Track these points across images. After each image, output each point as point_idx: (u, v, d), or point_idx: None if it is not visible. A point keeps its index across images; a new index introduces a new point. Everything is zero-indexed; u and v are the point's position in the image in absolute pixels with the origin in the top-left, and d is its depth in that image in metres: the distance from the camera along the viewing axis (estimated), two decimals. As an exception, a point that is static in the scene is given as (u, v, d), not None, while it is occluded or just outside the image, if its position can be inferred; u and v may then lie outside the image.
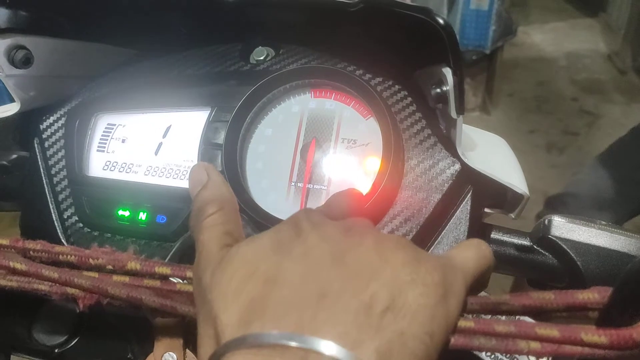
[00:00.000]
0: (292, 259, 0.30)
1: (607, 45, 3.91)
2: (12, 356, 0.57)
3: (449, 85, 0.45)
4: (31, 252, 0.42)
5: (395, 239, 0.32)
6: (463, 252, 0.35)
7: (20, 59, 0.55)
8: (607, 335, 0.29)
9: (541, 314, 0.33)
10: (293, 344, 0.25)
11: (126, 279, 0.39)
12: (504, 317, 0.36)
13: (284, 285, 0.28)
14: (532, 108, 3.31)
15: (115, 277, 0.40)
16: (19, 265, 0.39)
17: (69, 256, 0.41)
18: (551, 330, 0.30)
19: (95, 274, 0.40)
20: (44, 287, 0.40)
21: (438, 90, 0.47)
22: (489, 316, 0.34)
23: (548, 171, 2.73)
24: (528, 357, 0.41)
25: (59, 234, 0.58)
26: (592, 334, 0.29)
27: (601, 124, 3.14)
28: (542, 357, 0.41)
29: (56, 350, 0.54)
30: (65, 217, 0.58)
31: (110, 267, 0.40)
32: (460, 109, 0.46)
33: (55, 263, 0.41)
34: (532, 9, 4.33)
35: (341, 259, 0.30)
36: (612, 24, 3.98)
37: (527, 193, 0.50)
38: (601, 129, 3.09)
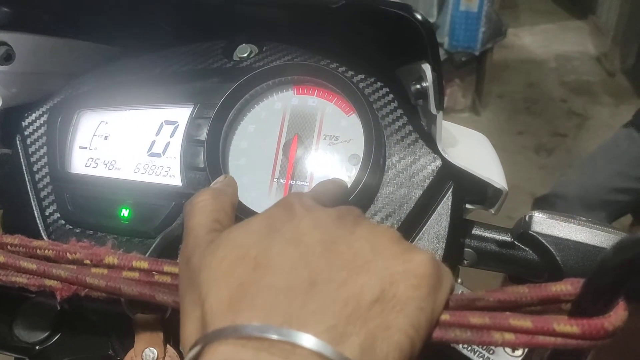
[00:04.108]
0: (283, 243, 0.30)
1: (596, 48, 3.95)
2: (-8, 353, 0.57)
3: (429, 81, 0.45)
4: (9, 247, 0.41)
5: (387, 230, 0.32)
6: None
7: (2, 55, 0.54)
8: (579, 325, 0.29)
9: (517, 308, 0.34)
10: (281, 338, 0.25)
11: (105, 271, 0.39)
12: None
13: (274, 271, 0.28)
14: (521, 109, 3.33)
15: (94, 270, 0.39)
16: (-5, 258, 0.39)
17: (46, 250, 0.41)
18: (524, 321, 0.31)
19: (73, 267, 0.40)
20: (21, 279, 0.40)
21: (418, 86, 0.47)
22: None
23: (536, 172, 2.75)
24: (504, 349, 0.41)
25: (41, 230, 0.57)
26: (565, 324, 0.30)
27: (590, 126, 3.17)
28: (517, 348, 0.41)
29: (37, 347, 0.54)
30: (47, 214, 0.58)
31: (88, 261, 0.40)
32: (440, 105, 0.46)
33: (33, 258, 0.41)
34: (521, 11, 4.36)
35: (332, 247, 0.29)
36: (601, 26, 4.02)
37: (506, 188, 0.50)
38: (590, 130, 3.12)
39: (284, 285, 0.27)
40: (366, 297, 0.27)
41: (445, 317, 0.32)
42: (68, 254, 0.41)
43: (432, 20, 2.96)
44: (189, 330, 0.29)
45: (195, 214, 0.36)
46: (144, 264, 0.39)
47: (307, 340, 0.25)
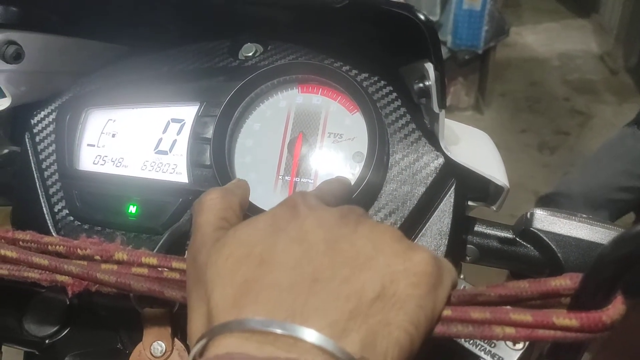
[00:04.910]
0: (288, 241, 0.30)
1: (599, 46, 3.94)
2: (2, 347, 0.57)
3: (431, 80, 0.46)
4: (20, 243, 0.42)
5: (389, 229, 0.33)
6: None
7: (11, 54, 0.55)
8: (577, 319, 0.30)
9: (517, 302, 0.34)
10: (284, 332, 0.26)
11: (114, 267, 0.40)
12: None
13: (278, 267, 0.29)
14: (524, 108, 3.33)
15: (104, 266, 0.40)
16: (9, 253, 0.40)
17: (57, 246, 0.42)
18: (525, 316, 0.31)
19: (84, 262, 0.41)
20: (33, 274, 0.40)
21: (421, 85, 0.47)
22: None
23: (539, 170, 2.75)
24: (505, 343, 0.42)
25: (50, 227, 0.58)
26: (564, 318, 0.30)
27: (593, 124, 3.17)
28: (518, 342, 0.42)
29: (47, 341, 0.55)
30: (56, 210, 0.58)
31: (98, 257, 0.41)
32: (442, 103, 0.47)
33: (44, 253, 0.42)
34: (524, 10, 4.36)
35: (335, 246, 0.30)
36: (604, 25, 4.01)
37: (508, 185, 0.51)
38: (593, 129, 3.12)
39: (287, 281, 0.28)
40: (367, 294, 0.28)
41: (447, 312, 0.32)
42: (79, 250, 0.42)
43: (435, 18, 2.96)
44: (196, 326, 0.30)
45: (203, 211, 0.36)
46: (153, 260, 0.40)
47: (310, 335, 0.26)
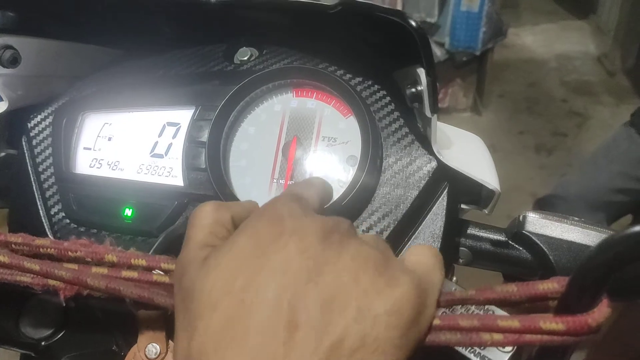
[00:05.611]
0: (269, 272, 0.30)
1: (597, 47, 3.95)
2: (-1, 349, 0.58)
3: (423, 85, 0.47)
4: (13, 245, 0.42)
5: (371, 255, 0.32)
6: (427, 259, 0.36)
7: (8, 59, 0.56)
8: (563, 322, 0.30)
9: (506, 306, 0.35)
10: None
11: (105, 270, 0.40)
12: (473, 307, 0.37)
13: (258, 308, 0.29)
14: (522, 109, 3.34)
15: (94, 269, 0.41)
16: (1, 258, 0.40)
17: (49, 249, 0.42)
18: (512, 321, 0.32)
19: (75, 266, 0.41)
20: (26, 279, 0.41)
21: (413, 89, 0.48)
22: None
23: (537, 172, 2.76)
24: (497, 347, 0.42)
25: (46, 230, 0.58)
26: (550, 322, 0.31)
27: (590, 125, 3.17)
28: (506, 347, 0.42)
29: (43, 343, 0.55)
30: (52, 213, 0.59)
31: (88, 259, 0.41)
32: (434, 108, 0.47)
33: (37, 256, 0.42)
34: (522, 11, 4.37)
35: (317, 278, 0.30)
36: (602, 26, 4.02)
37: (499, 189, 0.51)
38: (590, 130, 3.13)
39: (267, 326, 0.28)
40: (348, 342, 0.28)
41: (436, 321, 0.33)
42: (69, 252, 0.42)
43: (433, 20, 2.96)
44: (181, 357, 0.30)
45: (193, 225, 0.36)
46: (142, 262, 0.41)
47: None
